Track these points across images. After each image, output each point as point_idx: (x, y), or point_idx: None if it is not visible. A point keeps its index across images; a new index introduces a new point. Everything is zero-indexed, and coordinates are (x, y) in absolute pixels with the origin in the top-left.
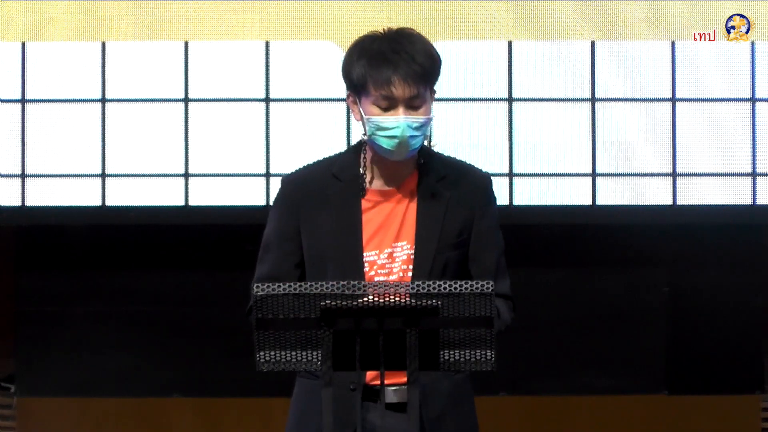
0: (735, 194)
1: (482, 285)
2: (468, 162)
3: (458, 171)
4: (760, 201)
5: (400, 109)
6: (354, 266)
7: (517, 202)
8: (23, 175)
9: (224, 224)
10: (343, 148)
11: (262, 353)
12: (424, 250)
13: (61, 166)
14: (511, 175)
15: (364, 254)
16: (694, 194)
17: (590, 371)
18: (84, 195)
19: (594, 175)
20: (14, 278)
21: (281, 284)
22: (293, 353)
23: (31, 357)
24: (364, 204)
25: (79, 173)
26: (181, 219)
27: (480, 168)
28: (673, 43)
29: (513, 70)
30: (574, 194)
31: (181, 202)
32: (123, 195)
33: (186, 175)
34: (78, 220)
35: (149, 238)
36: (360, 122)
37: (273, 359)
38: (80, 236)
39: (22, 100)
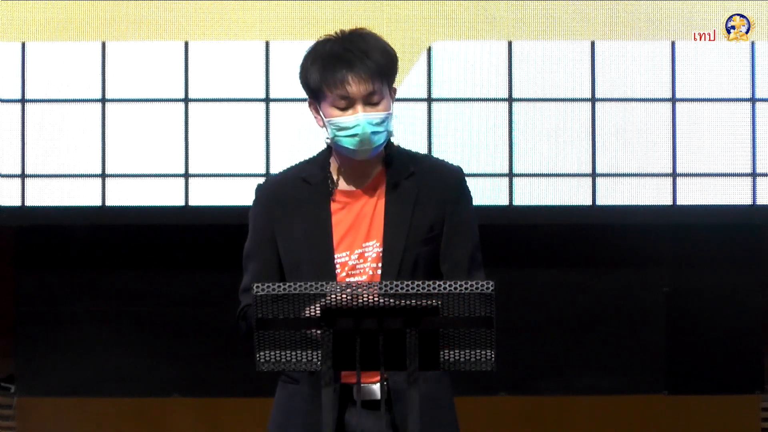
0: (735, 194)
1: (482, 285)
2: (439, 157)
3: (427, 167)
4: (760, 201)
5: (359, 107)
6: (326, 269)
7: (517, 202)
8: (23, 175)
9: (224, 224)
10: None
11: (262, 353)
12: (393, 248)
13: (61, 166)
14: (511, 175)
15: (336, 256)
16: (694, 194)
17: (590, 371)
18: (84, 195)
19: (594, 175)
20: (14, 278)
21: (281, 284)
22: (293, 353)
23: (31, 357)
24: (334, 206)
25: (79, 173)
26: (181, 219)
27: (451, 163)
28: (673, 43)
29: (513, 70)
30: (574, 194)
31: (181, 202)
32: (123, 195)
33: (186, 175)
34: (78, 220)
35: (149, 238)
36: (323, 128)
37: (273, 359)
38: (80, 236)
39: (22, 100)
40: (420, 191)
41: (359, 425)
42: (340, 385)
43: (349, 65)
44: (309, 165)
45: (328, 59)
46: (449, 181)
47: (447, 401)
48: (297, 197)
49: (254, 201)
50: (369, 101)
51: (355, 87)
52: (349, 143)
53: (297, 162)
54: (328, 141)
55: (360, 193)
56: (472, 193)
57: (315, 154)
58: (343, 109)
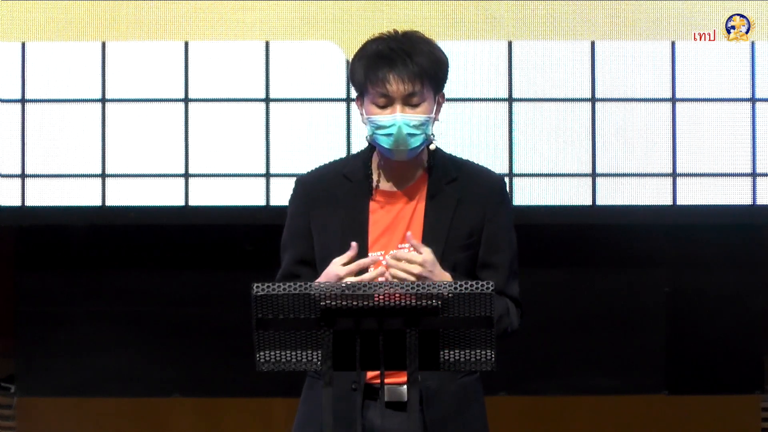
0: (735, 194)
1: (482, 285)
2: (482, 165)
3: (470, 173)
4: (760, 201)
5: (397, 107)
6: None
7: (517, 202)
8: (23, 175)
9: (224, 224)
10: (343, 148)
11: (262, 353)
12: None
13: (61, 166)
14: (511, 175)
15: (369, 255)
16: (694, 194)
17: (590, 371)
18: (84, 195)
19: (594, 175)
20: (14, 278)
21: (281, 284)
22: (293, 353)
23: (31, 357)
24: (372, 205)
25: (79, 173)
26: (181, 219)
27: (493, 171)
28: (673, 43)
29: (513, 70)
30: (574, 194)
31: (181, 202)
32: (123, 195)
33: (186, 175)
34: (78, 220)
35: (149, 238)
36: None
37: (273, 359)
38: (80, 236)
39: (22, 100)
40: (461, 197)
41: (368, 426)
42: (365, 385)
43: (391, 64)
44: (351, 161)
45: (372, 57)
46: (491, 188)
47: (478, 403)
48: (336, 193)
49: (293, 193)
50: (408, 102)
51: (395, 86)
52: (385, 142)
53: (341, 157)
54: (369, 138)
55: (400, 195)
56: None
57: (359, 151)
58: (382, 107)
